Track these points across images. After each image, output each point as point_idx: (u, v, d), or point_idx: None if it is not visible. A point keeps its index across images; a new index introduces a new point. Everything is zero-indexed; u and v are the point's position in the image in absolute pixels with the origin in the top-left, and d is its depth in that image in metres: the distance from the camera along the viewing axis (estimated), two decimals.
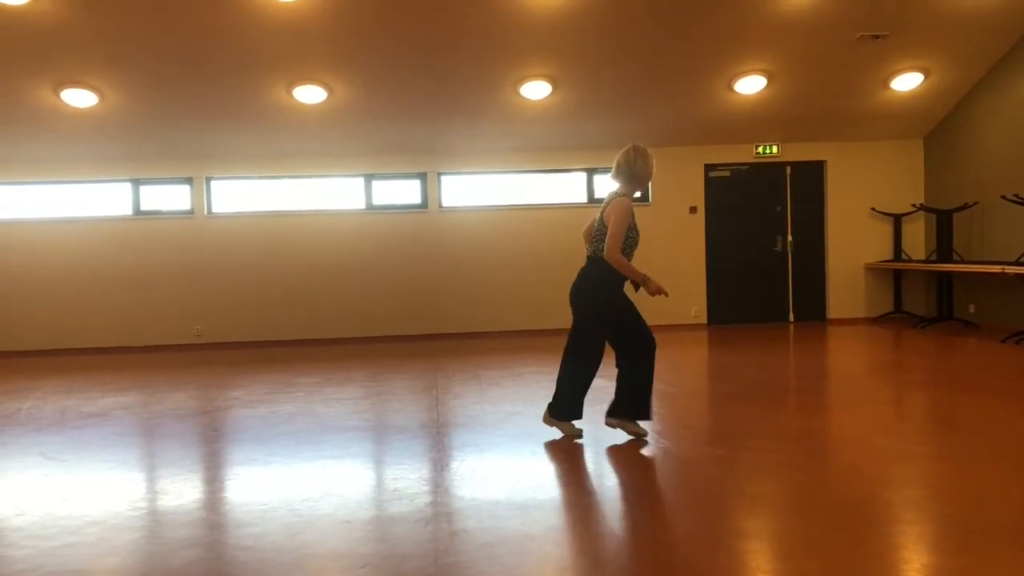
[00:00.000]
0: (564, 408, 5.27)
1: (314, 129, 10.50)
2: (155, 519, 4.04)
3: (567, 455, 4.97)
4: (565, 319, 11.09)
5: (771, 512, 3.93)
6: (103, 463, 5.16)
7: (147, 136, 10.49)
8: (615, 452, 4.97)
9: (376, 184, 11.40)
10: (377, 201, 11.40)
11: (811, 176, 11.80)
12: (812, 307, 11.86)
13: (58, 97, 9.42)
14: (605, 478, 4.53)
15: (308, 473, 4.75)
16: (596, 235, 5.16)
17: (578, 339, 5.23)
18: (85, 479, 4.81)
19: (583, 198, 11.46)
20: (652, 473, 4.59)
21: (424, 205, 11.41)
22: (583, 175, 11.50)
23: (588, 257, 5.22)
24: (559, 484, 4.41)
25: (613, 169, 5.28)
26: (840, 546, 3.37)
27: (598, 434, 5.36)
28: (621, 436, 5.28)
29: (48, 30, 8.26)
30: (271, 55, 9.00)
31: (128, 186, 11.18)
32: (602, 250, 5.05)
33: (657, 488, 4.35)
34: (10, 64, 8.83)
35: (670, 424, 5.73)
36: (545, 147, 11.25)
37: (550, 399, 5.37)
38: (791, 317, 11.86)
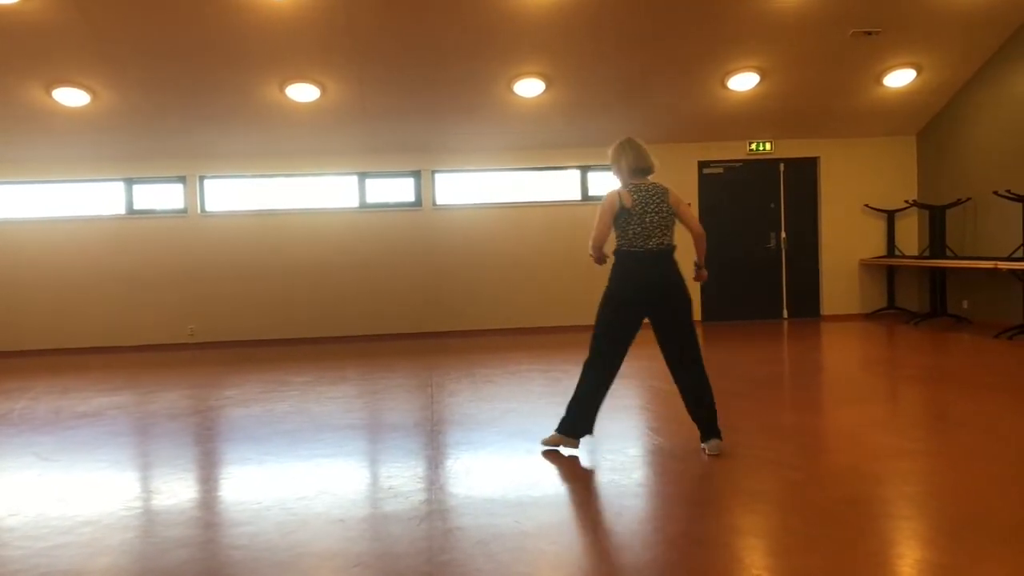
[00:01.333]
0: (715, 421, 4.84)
1: (307, 127, 10.48)
2: (149, 518, 4.03)
3: (563, 452, 4.96)
4: (559, 316, 11.18)
5: (767, 509, 3.93)
6: (97, 463, 5.15)
7: (140, 135, 10.46)
8: (609, 451, 4.97)
9: (370, 182, 11.38)
10: (371, 199, 11.39)
11: (804, 173, 11.82)
12: (806, 303, 11.87)
13: (50, 96, 9.38)
14: (600, 475, 4.53)
15: (302, 472, 4.74)
16: (667, 224, 4.92)
17: (692, 338, 4.91)
18: (79, 479, 4.80)
19: (577, 195, 11.45)
20: (647, 470, 4.59)
21: (418, 203, 11.39)
22: (577, 172, 11.49)
23: (670, 247, 4.94)
24: (554, 481, 4.40)
25: (651, 165, 4.98)
26: (836, 543, 3.37)
27: (593, 431, 5.36)
28: (616, 434, 5.27)
29: (39, 29, 8.22)
30: (264, 53, 8.97)
31: (121, 185, 11.14)
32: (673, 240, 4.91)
33: (652, 485, 4.35)
34: (1, 63, 8.78)
35: (665, 421, 5.74)
36: (539, 145, 11.24)
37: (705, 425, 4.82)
38: (785, 314, 11.88)
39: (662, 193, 4.94)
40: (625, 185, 4.96)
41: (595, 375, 4.92)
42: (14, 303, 10.88)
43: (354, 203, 11.37)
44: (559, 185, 11.54)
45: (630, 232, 4.84)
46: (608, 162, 5.12)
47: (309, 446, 5.32)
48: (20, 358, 10.52)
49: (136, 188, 11.15)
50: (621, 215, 4.84)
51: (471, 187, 11.53)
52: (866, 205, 11.67)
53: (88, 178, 11.08)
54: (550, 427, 5.52)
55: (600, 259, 4.96)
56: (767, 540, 3.58)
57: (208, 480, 4.78)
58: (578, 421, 4.93)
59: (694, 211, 11.47)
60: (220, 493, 4.48)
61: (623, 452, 4.90)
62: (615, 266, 4.92)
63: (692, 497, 4.09)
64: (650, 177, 5.01)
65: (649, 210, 4.85)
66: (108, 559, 3.50)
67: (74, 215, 11.05)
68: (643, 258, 4.84)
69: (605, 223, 4.89)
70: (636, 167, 4.96)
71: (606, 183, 11.49)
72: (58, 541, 3.69)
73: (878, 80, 10.30)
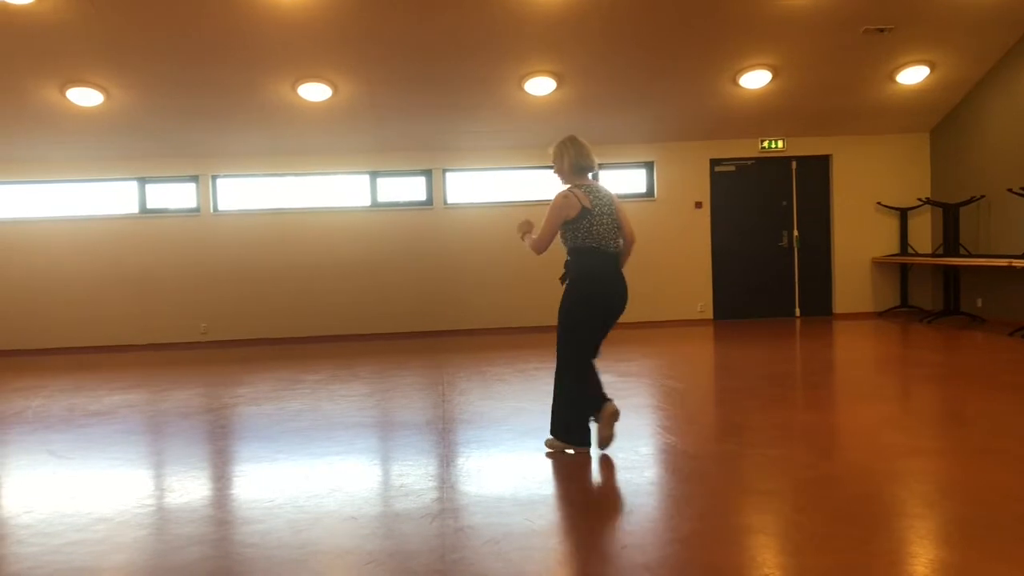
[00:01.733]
0: None
1: (319, 126, 10.50)
2: (162, 516, 4.05)
3: (574, 451, 4.96)
4: None
5: (778, 508, 3.92)
6: (110, 461, 5.18)
7: (153, 134, 10.51)
8: (620, 449, 4.96)
9: (381, 181, 11.40)
10: (382, 198, 11.40)
11: (817, 171, 11.77)
12: (818, 302, 11.83)
13: (64, 96, 9.43)
14: (610, 474, 4.52)
15: (314, 470, 4.75)
16: (619, 227, 4.95)
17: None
18: (92, 477, 4.83)
19: None
20: (658, 469, 4.59)
21: (429, 202, 11.40)
22: None
23: (620, 251, 4.97)
24: (564, 480, 4.40)
25: (593, 164, 5.12)
26: (848, 541, 3.36)
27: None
28: (628, 433, 5.27)
29: (53, 29, 8.27)
30: (276, 53, 8.99)
31: (134, 184, 11.19)
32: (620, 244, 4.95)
33: (663, 484, 4.34)
34: (16, 63, 8.84)
35: (676, 420, 5.73)
36: (550, 143, 11.16)
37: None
38: (797, 312, 11.84)
39: (611, 196, 5.02)
40: (577, 186, 4.94)
41: (580, 375, 4.88)
42: (28, 302, 10.95)
43: (366, 202, 11.39)
44: None
45: (594, 231, 4.83)
46: (549, 161, 5.15)
47: (321, 444, 5.34)
48: (34, 356, 10.60)
49: (149, 187, 11.20)
50: (582, 216, 4.82)
51: (482, 186, 11.54)
52: (879, 203, 11.62)
53: (101, 177, 11.13)
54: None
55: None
56: (779, 539, 3.57)
57: (220, 478, 4.80)
58: (583, 428, 4.89)
59: (706, 210, 11.54)
60: (232, 491, 4.50)
61: (635, 451, 4.90)
62: (579, 264, 4.87)
63: (704, 495, 4.08)
64: (590, 176, 5.08)
65: (604, 211, 4.90)
66: (122, 556, 3.52)
67: (88, 214, 11.11)
68: (607, 257, 4.87)
69: (555, 226, 4.88)
70: (579, 165, 5.03)
71: (615, 181, 11.49)
72: (72, 538, 3.71)
73: (891, 77, 10.24)
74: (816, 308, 11.82)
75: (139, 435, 5.95)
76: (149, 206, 11.21)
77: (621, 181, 11.53)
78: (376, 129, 10.69)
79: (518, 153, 11.36)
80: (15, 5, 7.81)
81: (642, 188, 11.59)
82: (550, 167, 5.25)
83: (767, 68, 9.91)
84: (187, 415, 6.51)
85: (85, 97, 9.49)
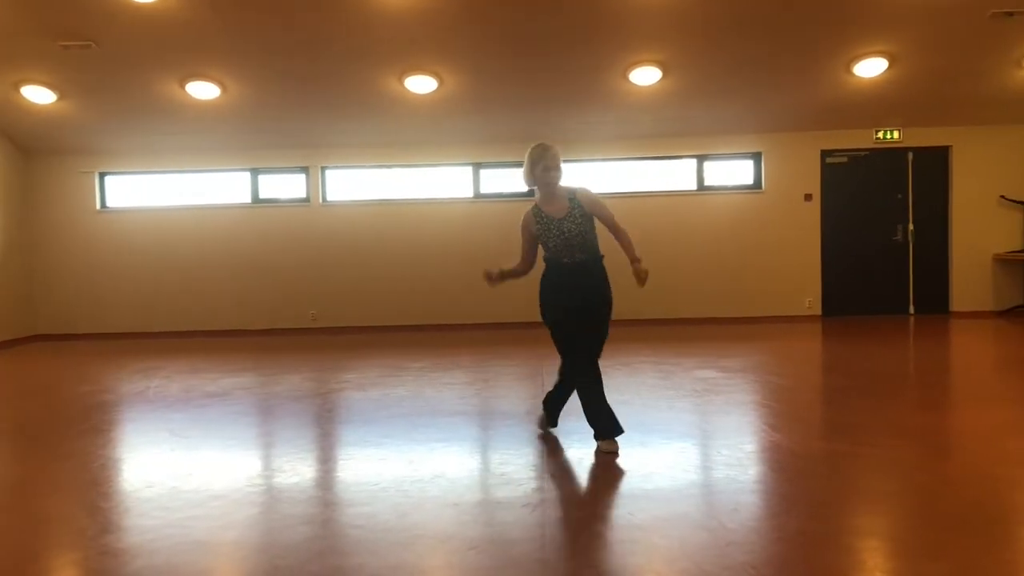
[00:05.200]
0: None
1: (424, 118, 10.65)
2: (272, 495, 4.20)
3: (676, 446, 4.91)
4: (677, 307, 11.04)
5: (889, 510, 3.79)
6: (224, 440, 5.40)
7: (265, 127, 10.86)
8: (724, 446, 4.88)
9: (484, 172, 11.49)
10: (485, 189, 11.49)
11: (935, 162, 11.28)
12: (934, 299, 11.36)
13: (184, 90, 9.84)
14: (714, 470, 4.46)
15: (418, 456, 4.84)
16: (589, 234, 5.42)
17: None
18: (208, 455, 5.04)
19: (693, 185, 11.26)
20: (763, 467, 4.49)
21: (531, 193, 11.35)
22: (693, 162, 11.30)
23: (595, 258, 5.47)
24: (667, 475, 4.36)
25: (559, 169, 5.36)
26: (964, 549, 3.23)
27: (706, 427, 5.28)
28: (732, 430, 5.18)
29: (174, 25, 8.62)
30: (383, 46, 9.16)
31: (247, 175, 11.60)
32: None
33: (768, 482, 4.25)
34: (141, 58, 9.26)
35: (783, 417, 5.60)
36: (654, 134, 11.10)
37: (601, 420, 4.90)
38: (911, 309, 11.39)
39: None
40: None
41: None
42: (148, 288, 11.50)
43: (469, 193, 11.50)
44: (674, 175, 11.37)
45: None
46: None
47: (424, 430, 5.43)
48: (153, 339, 11.13)
49: (261, 178, 11.59)
50: None
51: (585, 177, 11.48)
52: (1002, 196, 11.06)
53: (217, 168, 11.58)
54: (663, 419, 5.50)
55: None
56: (891, 542, 3.45)
57: (328, 460, 4.94)
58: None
59: (816, 202, 11.23)
60: (339, 473, 4.63)
61: (739, 448, 4.81)
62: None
63: (810, 495, 3.98)
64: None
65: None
66: (236, 532, 3.66)
67: (203, 204, 11.58)
68: None
69: None
70: None
71: (721, 172, 11.28)
72: (191, 513, 3.89)
73: (1018, 64, 9.71)
74: (931, 305, 11.35)
75: (252, 416, 6.18)
76: (261, 196, 11.60)
77: (727, 172, 11.32)
78: (480, 120, 10.78)
79: (622, 143, 11.27)
80: (140, 3, 8.18)
81: (749, 180, 11.34)
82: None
83: (884, 56, 9.53)
84: (297, 398, 6.72)
85: (203, 91, 9.87)
